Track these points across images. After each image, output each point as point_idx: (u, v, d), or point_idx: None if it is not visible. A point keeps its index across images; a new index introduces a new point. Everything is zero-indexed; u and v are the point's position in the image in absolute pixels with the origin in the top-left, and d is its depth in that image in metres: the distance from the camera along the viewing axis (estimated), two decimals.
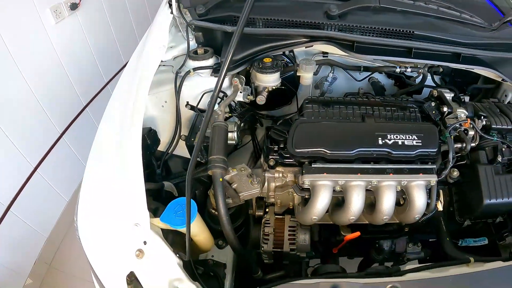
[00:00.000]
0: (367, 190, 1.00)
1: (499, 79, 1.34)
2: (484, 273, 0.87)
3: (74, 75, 2.25)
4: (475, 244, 1.18)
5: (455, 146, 1.12)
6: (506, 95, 1.44)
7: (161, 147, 1.27)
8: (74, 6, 2.17)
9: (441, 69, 1.49)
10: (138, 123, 0.99)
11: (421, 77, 1.39)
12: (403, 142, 1.05)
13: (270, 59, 1.20)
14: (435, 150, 1.06)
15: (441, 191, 1.15)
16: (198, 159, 1.16)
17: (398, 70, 1.35)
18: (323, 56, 1.44)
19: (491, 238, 1.15)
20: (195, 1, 1.30)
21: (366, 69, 1.43)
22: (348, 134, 1.06)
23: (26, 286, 1.96)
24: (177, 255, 0.77)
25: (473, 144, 1.14)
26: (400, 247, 1.15)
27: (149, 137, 1.17)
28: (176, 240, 0.93)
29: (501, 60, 1.35)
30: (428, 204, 1.05)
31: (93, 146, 1.05)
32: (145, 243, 0.75)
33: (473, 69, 1.33)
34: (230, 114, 1.25)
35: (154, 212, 0.90)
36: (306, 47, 1.22)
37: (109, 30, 2.66)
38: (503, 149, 1.14)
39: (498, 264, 0.90)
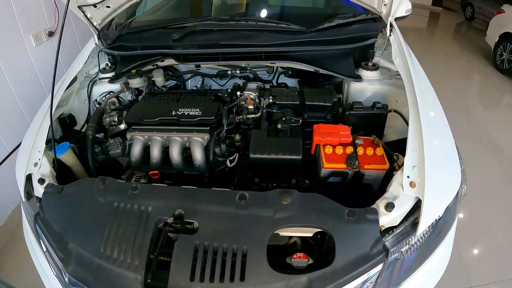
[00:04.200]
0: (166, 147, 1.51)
1: (312, 70, 1.66)
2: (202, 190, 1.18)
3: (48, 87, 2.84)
4: None
5: (240, 116, 1.56)
6: (344, 86, 1.79)
7: (78, 128, 1.83)
8: (51, 34, 2.93)
9: (289, 72, 2.00)
10: (54, 105, 1.59)
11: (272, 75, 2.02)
12: (188, 113, 1.52)
13: (135, 70, 1.88)
14: (212, 117, 1.48)
15: (236, 154, 1.49)
16: None
17: (229, 72, 1.94)
18: (197, 69, 2.11)
19: None
20: (106, 36, 2.02)
21: (220, 76, 2.01)
22: (154, 109, 1.59)
23: None
24: (53, 165, 1.45)
25: (254, 116, 1.54)
26: None
27: (69, 119, 1.77)
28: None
29: (322, 55, 1.67)
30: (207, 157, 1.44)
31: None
32: (39, 159, 1.44)
33: (274, 63, 1.75)
34: (119, 106, 1.88)
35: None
36: (161, 61, 1.87)
37: (78, 53, 3.39)
38: (284, 119, 1.48)
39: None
